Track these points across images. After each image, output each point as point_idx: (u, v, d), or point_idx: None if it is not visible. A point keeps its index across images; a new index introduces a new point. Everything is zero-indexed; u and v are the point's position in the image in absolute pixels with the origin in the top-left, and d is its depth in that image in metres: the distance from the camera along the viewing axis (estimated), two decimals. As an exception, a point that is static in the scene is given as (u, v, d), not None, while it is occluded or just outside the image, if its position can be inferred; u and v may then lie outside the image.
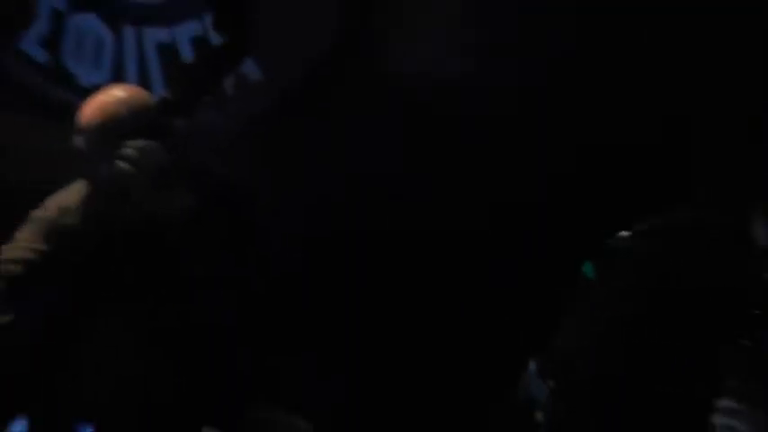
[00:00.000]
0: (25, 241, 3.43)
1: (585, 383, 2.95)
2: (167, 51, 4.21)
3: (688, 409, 3.07)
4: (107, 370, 3.32)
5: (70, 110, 3.45)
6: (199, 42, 4.14)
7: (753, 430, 2.89)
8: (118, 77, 4.17)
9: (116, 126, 3.30)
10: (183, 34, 4.19)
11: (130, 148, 3.23)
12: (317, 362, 3.88)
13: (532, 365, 2.95)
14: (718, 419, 2.94)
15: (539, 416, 2.91)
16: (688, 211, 2.95)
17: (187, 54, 4.17)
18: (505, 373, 3.00)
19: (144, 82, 4.10)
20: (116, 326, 3.34)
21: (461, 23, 3.81)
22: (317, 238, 3.93)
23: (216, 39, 3.58)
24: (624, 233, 2.90)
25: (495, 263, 3.78)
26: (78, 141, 3.34)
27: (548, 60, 3.72)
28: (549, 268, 3.20)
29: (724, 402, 2.93)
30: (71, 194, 3.44)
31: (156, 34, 4.22)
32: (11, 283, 3.39)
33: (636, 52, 3.65)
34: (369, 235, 3.91)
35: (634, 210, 2.98)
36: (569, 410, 2.90)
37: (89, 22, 4.27)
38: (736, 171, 3.34)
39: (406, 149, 3.88)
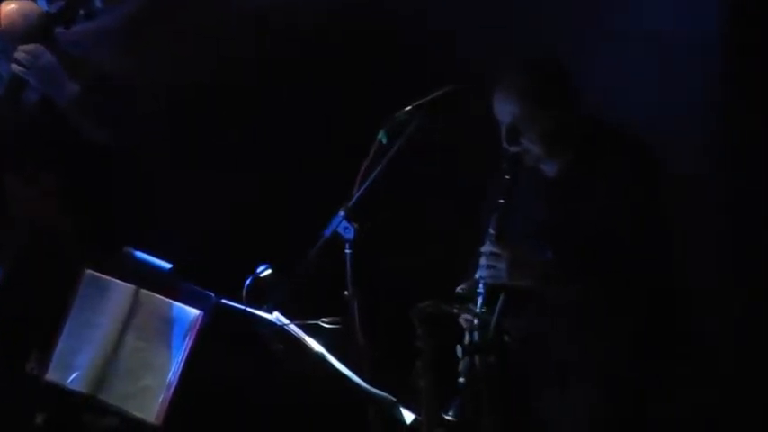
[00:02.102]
0: None
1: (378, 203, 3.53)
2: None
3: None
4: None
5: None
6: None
7: (508, 268, 3.31)
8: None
9: (10, 31, 3.78)
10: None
11: (23, 51, 3.72)
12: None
13: (343, 209, 3.45)
14: (482, 261, 3.39)
15: (346, 250, 3.45)
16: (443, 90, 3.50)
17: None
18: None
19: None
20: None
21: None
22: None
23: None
24: (406, 109, 3.50)
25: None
26: (-18, 45, 3.83)
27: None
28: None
29: (486, 247, 3.40)
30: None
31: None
32: None
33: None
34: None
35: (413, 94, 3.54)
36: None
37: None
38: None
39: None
